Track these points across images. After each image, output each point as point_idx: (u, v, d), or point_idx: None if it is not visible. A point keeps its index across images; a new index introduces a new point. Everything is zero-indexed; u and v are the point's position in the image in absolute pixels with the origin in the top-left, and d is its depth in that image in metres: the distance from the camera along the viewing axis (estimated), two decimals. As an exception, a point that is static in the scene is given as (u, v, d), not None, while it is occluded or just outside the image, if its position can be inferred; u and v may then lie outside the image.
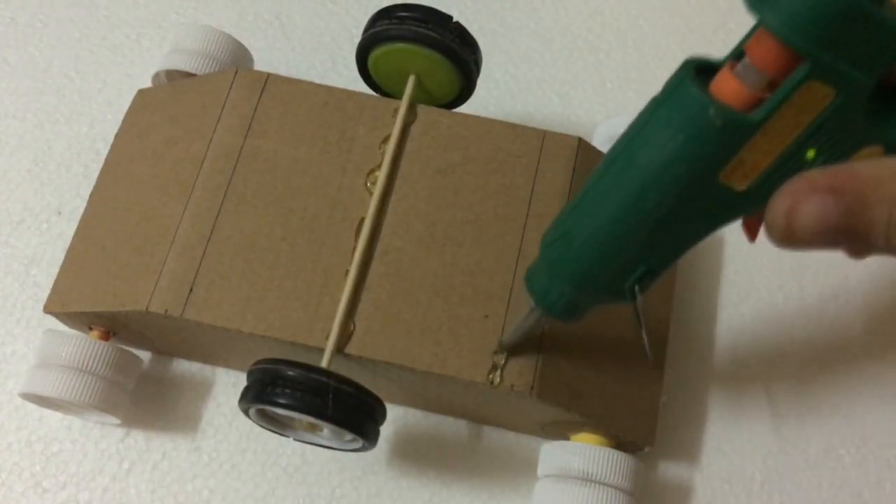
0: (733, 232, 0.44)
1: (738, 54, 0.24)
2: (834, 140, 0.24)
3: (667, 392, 0.39)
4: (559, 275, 0.28)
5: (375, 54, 0.38)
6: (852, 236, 0.24)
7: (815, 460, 0.39)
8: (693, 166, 0.24)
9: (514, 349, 0.34)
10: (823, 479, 0.39)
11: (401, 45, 0.37)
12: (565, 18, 0.51)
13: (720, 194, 0.25)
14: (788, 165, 0.25)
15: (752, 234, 0.30)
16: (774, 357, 0.41)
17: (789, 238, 0.24)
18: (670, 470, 0.39)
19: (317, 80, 0.39)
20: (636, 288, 0.27)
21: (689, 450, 0.40)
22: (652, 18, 0.50)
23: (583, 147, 0.37)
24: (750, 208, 0.26)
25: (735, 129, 0.24)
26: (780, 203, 0.24)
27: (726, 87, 0.24)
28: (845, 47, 0.22)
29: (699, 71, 0.24)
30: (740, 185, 0.25)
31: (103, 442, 0.40)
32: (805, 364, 0.41)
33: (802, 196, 0.24)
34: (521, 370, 0.33)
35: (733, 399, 0.41)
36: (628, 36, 0.50)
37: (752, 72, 0.23)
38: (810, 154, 0.25)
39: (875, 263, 0.43)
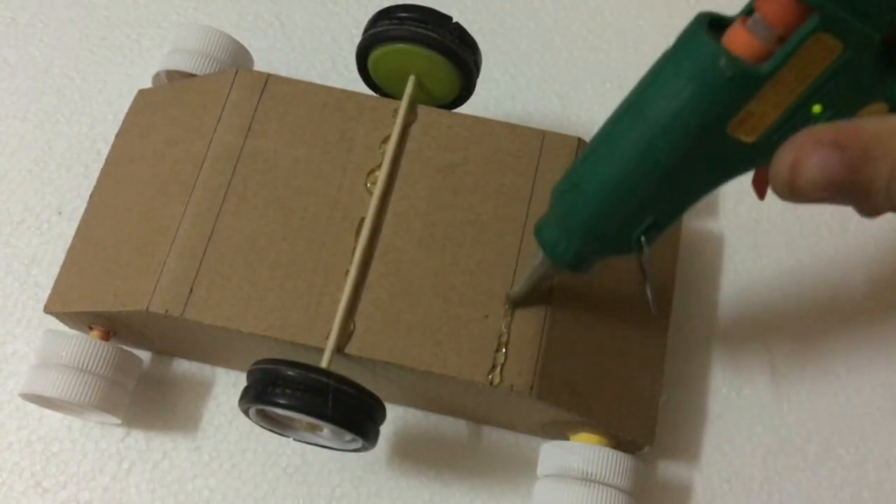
0: (733, 232, 0.44)
1: (749, 10, 0.25)
2: (840, 95, 0.25)
3: (667, 392, 0.39)
4: (568, 226, 0.29)
5: (375, 55, 0.38)
6: (854, 191, 0.24)
7: (815, 460, 0.39)
8: (703, 116, 0.25)
9: (521, 302, 0.34)
10: (823, 479, 0.39)
11: (401, 46, 0.37)
12: (565, 18, 0.51)
13: (729, 146, 0.25)
14: (795, 119, 0.25)
15: (760, 193, 0.30)
16: (774, 356, 0.42)
17: (793, 191, 0.25)
18: (670, 470, 0.39)
19: (317, 80, 0.39)
20: (643, 240, 0.28)
21: (689, 450, 0.40)
22: (652, 18, 0.50)
23: (582, 147, 0.37)
24: (757, 161, 0.26)
25: (744, 81, 0.24)
26: (785, 156, 0.25)
27: (737, 40, 0.24)
28: (853, 0, 0.23)
29: (711, 25, 0.25)
30: (748, 138, 0.25)
31: (103, 442, 0.40)
32: (805, 365, 0.41)
33: (807, 150, 0.24)
34: (520, 370, 0.33)
35: (733, 399, 0.41)
36: (628, 36, 0.50)
37: (762, 26, 0.24)
38: (817, 109, 0.25)
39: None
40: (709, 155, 0.26)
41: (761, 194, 0.30)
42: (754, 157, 0.26)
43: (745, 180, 0.45)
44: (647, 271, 0.29)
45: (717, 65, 0.24)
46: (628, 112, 0.27)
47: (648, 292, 0.30)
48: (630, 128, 0.26)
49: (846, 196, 0.24)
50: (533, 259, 0.32)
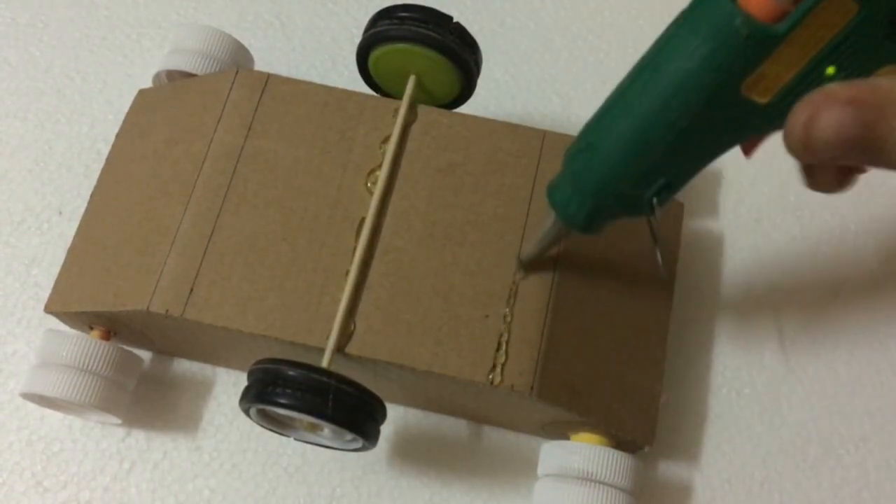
0: (733, 231, 0.44)
1: None
2: (854, 57, 0.25)
3: (667, 392, 0.39)
4: (581, 186, 0.29)
5: (375, 54, 0.38)
6: (867, 149, 0.24)
7: (815, 460, 0.39)
8: (717, 76, 0.25)
9: (531, 265, 0.34)
10: (823, 479, 0.39)
11: (401, 46, 0.37)
12: (565, 18, 0.51)
13: (742, 107, 0.26)
14: (809, 80, 0.25)
15: (746, 150, 0.30)
16: (775, 356, 0.42)
17: (807, 149, 0.25)
18: (670, 470, 0.39)
19: (317, 80, 0.39)
20: (654, 201, 0.28)
21: (689, 450, 0.40)
22: (652, 18, 0.50)
23: (583, 147, 0.37)
24: (770, 123, 0.26)
25: (760, 40, 0.24)
26: (800, 113, 0.25)
27: (753, 0, 0.25)
28: None
29: None
30: (762, 99, 0.26)
31: (104, 441, 0.40)
32: (805, 367, 0.41)
33: (822, 107, 0.24)
34: (521, 370, 0.33)
35: (733, 399, 0.41)
36: (628, 36, 0.50)
37: None
38: (830, 70, 0.25)
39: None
40: (722, 115, 0.26)
41: (747, 152, 0.30)
42: (767, 119, 0.26)
43: (745, 180, 0.46)
44: (658, 234, 0.30)
45: (732, 24, 0.24)
46: (643, 72, 0.27)
47: (658, 256, 0.31)
48: (645, 87, 0.26)
49: (860, 153, 0.25)
50: (544, 220, 0.32)
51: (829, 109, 0.24)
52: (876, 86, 0.24)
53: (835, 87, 0.24)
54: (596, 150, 0.28)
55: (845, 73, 0.25)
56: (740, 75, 0.25)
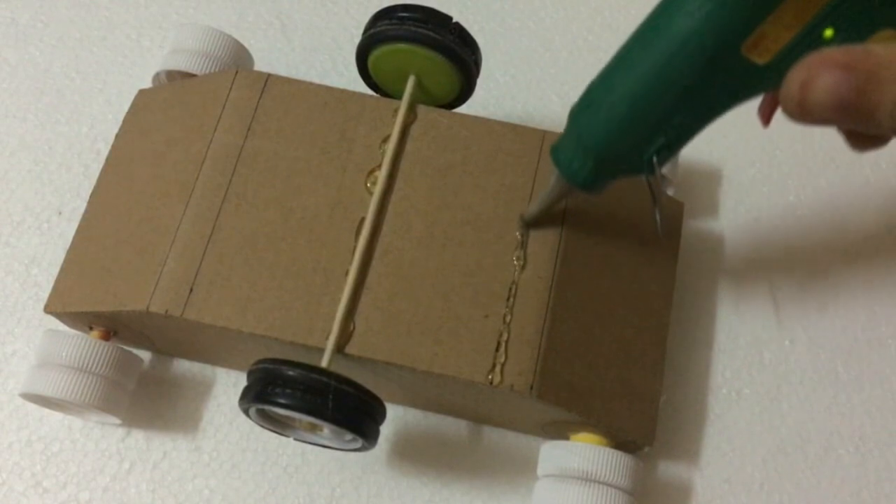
0: (733, 232, 0.44)
1: None
2: (852, 20, 0.26)
3: (667, 392, 0.39)
4: (584, 144, 0.30)
5: (375, 54, 0.38)
6: (860, 114, 0.25)
7: (815, 460, 0.39)
8: (718, 36, 0.26)
9: (535, 223, 0.35)
10: (823, 479, 0.39)
11: (401, 46, 0.37)
12: (565, 18, 0.51)
13: (742, 67, 0.26)
14: (807, 42, 0.26)
15: (766, 119, 0.31)
16: (775, 356, 0.42)
17: (802, 111, 0.26)
18: (670, 470, 0.39)
19: (317, 80, 0.39)
20: (654, 160, 0.29)
21: (689, 450, 0.40)
22: (652, 18, 0.50)
23: (583, 147, 0.37)
24: (769, 83, 0.27)
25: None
26: (796, 75, 0.25)
27: None
28: None
29: None
30: (761, 59, 0.26)
31: (104, 442, 0.40)
32: (805, 367, 0.41)
33: (817, 70, 0.25)
34: (521, 370, 0.33)
35: (733, 399, 0.41)
36: (628, 36, 0.50)
37: None
38: (828, 33, 0.26)
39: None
40: (722, 75, 0.27)
41: (766, 121, 0.31)
42: (765, 79, 0.27)
43: (745, 180, 0.46)
44: (657, 193, 0.30)
45: None
46: (646, 31, 0.28)
47: (657, 216, 0.31)
48: (647, 47, 0.27)
49: (853, 118, 0.25)
50: (548, 179, 0.33)
51: (824, 73, 0.25)
52: (870, 52, 0.25)
53: (831, 51, 0.25)
54: (599, 108, 0.29)
55: (843, 36, 0.26)
56: (741, 35, 0.26)
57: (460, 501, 0.39)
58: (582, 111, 0.30)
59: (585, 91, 0.30)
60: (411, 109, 0.38)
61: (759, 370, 0.41)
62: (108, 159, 0.41)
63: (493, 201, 0.36)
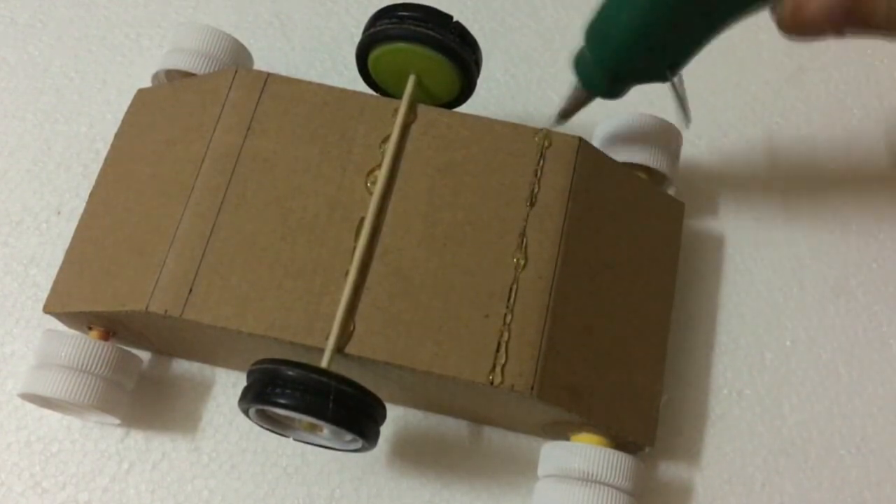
0: (733, 232, 0.44)
1: None
2: None
3: (667, 392, 0.39)
4: (600, 59, 0.33)
5: (375, 54, 0.38)
6: (856, 19, 0.26)
7: (815, 460, 0.39)
8: None
9: (566, 116, 0.38)
10: (825, 480, 0.39)
11: (401, 45, 0.37)
12: (565, 18, 0.51)
13: None
14: None
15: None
16: (776, 356, 0.41)
17: (797, 24, 0.27)
18: (670, 470, 0.39)
19: (316, 80, 0.39)
20: (668, 72, 0.32)
21: (689, 450, 0.40)
22: (652, 18, 0.50)
23: (583, 147, 0.37)
24: None
25: None
26: None
27: None
28: None
29: None
30: None
31: (103, 442, 0.40)
32: (806, 367, 0.41)
33: None
34: (521, 370, 0.33)
35: (734, 399, 0.41)
36: None
37: None
38: None
39: None
40: None
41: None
42: None
43: (744, 180, 0.46)
44: (680, 92, 0.33)
45: None
46: None
47: (682, 110, 0.34)
48: None
49: (848, 24, 0.26)
50: (571, 86, 0.36)
51: None
52: None
53: None
54: (611, 25, 0.32)
55: None
56: None
57: (460, 502, 0.39)
58: (594, 29, 0.32)
59: (596, 11, 0.32)
60: (411, 109, 0.38)
61: (760, 371, 0.41)
62: (107, 159, 0.40)
63: (494, 201, 0.36)
